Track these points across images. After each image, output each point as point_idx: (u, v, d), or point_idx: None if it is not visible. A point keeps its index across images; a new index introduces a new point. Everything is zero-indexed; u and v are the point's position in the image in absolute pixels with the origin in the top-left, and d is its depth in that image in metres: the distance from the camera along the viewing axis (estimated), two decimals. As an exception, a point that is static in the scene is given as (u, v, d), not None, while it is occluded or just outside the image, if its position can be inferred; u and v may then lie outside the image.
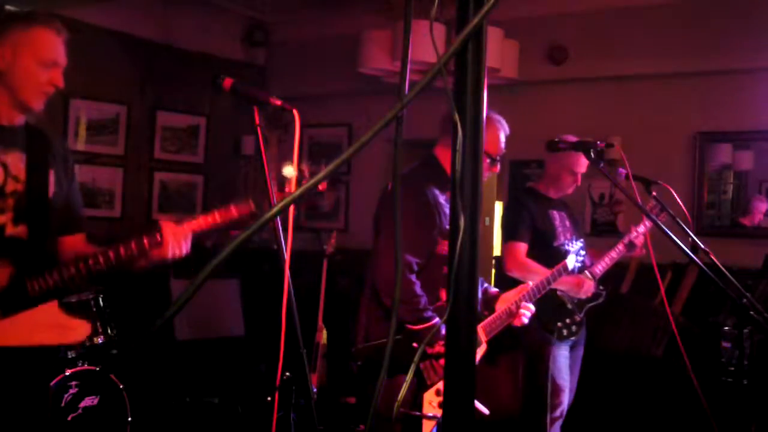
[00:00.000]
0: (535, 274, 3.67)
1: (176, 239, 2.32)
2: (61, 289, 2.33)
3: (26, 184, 2.37)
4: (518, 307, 3.05)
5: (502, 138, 3.05)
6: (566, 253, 3.52)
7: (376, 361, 2.82)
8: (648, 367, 4.95)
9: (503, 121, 3.11)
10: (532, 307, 3.10)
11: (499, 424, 4.83)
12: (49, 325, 2.31)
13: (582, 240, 3.80)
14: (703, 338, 4.50)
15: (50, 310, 2.32)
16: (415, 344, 2.72)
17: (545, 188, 4.07)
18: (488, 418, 2.82)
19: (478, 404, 3.02)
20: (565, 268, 3.41)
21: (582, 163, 3.95)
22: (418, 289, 2.77)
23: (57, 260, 2.43)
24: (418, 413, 2.69)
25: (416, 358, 1.08)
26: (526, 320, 3.08)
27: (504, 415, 4.93)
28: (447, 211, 2.89)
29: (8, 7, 4.76)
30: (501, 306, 3.06)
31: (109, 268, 2.33)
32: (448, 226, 2.84)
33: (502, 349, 4.49)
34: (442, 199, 2.90)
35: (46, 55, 2.35)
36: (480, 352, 2.92)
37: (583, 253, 3.54)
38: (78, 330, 2.36)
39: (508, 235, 3.96)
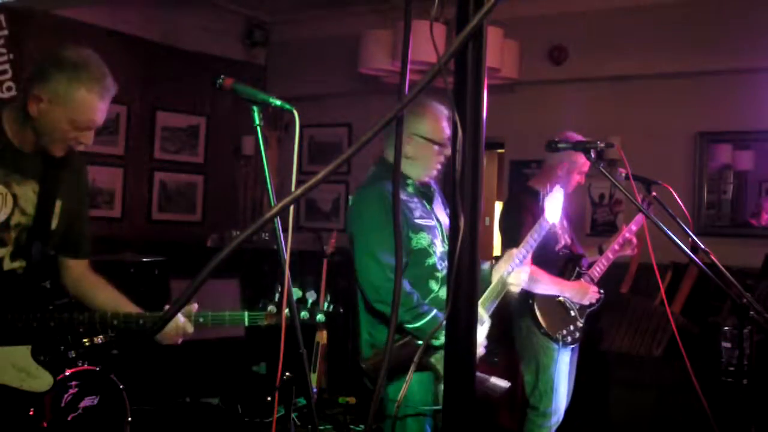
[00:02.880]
0: (542, 283, 3.62)
1: (177, 332, 2.41)
2: (39, 333, 2.33)
3: (33, 218, 2.33)
4: (510, 274, 2.95)
5: (444, 123, 2.95)
6: (565, 257, 3.39)
7: (391, 367, 2.78)
8: (648, 367, 4.95)
9: (439, 106, 2.95)
10: (525, 270, 2.98)
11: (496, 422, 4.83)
12: (16, 368, 2.31)
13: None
14: (703, 338, 4.50)
15: (22, 354, 2.32)
16: (419, 341, 2.70)
17: (544, 187, 3.94)
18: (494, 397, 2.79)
19: (497, 379, 2.99)
20: (545, 220, 3.23)
21: (576, 161, 3.87)
22: (407, 287, 2.76)
23: (48, 296, 2.42)
24: (437, 407, 2.68)
25: (416, 358, 1.08)
26: (525, 276, 2.97)
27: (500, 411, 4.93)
28: (411, 205, 2.86)
29: None
30: (495, 277, 2.98)
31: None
32: (416, 220, 2.85)
33: (502, 349, 4.49)
34: (404, 196, 2.89)
35: (80, 119, 2.24)
36: (484, 331, 2.87)
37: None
38: (41, 380, 2.36)
39: (512, 242, 3.60)
